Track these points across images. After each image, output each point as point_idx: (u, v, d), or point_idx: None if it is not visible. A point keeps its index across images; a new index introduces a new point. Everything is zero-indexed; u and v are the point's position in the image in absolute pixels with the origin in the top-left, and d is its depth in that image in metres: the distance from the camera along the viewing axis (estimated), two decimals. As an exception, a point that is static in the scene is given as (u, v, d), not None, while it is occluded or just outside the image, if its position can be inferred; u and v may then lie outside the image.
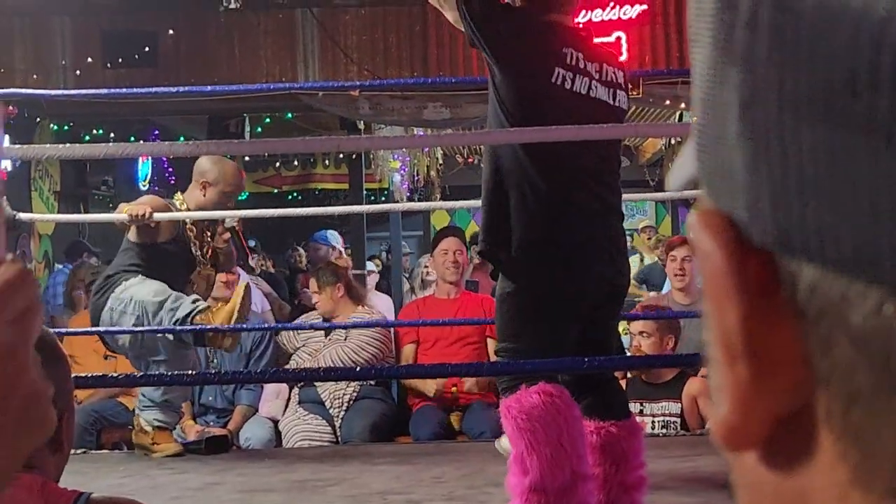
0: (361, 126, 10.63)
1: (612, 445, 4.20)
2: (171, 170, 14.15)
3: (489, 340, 7.39)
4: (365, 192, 12.43)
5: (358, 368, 6.92)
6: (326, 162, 14.65)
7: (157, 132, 12.09)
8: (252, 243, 12.49)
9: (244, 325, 7.75)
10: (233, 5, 9.08)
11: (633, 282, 10.68)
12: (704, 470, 5.47)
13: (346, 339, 7.73)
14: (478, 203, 9.57)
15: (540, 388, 3.87)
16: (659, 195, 9.12)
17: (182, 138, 11.85)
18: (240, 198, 14.47)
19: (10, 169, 12.20)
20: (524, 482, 3.81)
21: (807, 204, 0.43)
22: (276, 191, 15.14)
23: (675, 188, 0.57)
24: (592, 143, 4.11)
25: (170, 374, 6.07)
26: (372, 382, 7.77)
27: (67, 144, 4.73)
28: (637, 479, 4.27)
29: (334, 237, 11.17)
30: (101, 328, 6.56)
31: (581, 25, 4.46)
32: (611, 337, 4.34)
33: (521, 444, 3.83)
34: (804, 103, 0.42)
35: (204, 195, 6.69)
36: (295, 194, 15.50)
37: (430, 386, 7.59)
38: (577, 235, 4.07)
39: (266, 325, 8.18)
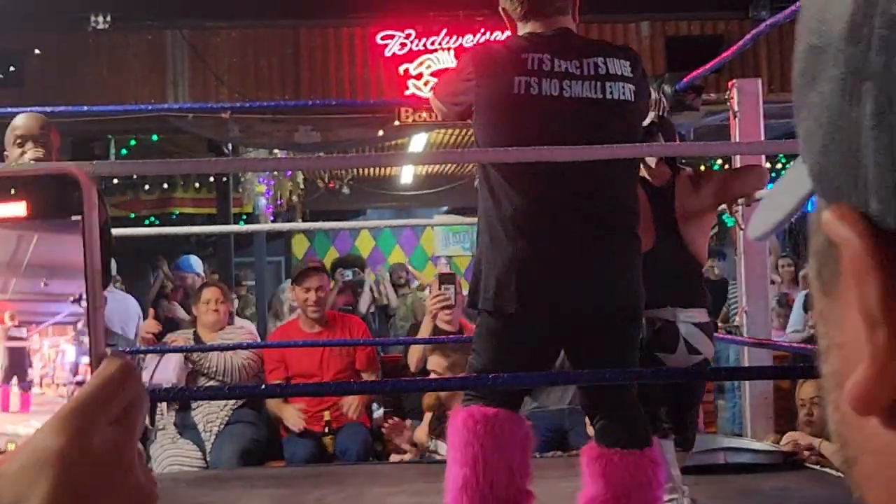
0: (230, 149, 10.58)
1: (615, 475, 4.04)
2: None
3: (362, 374, 7.44)
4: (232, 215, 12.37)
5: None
6: (188, 185, 14.52)
7: (12, 155, 11.85)
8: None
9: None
10: (101, 25, 8.97)
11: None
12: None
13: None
14: (339, 225, 9.48)
15: (468, 412, 3.93)
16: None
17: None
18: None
19: None
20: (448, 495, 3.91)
21: None
22: (132, 215, 14.94)
23: (759, 236, 0.68)
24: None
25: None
26: (241, 405, 7.68)
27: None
28: None
29: (197, 263, 11.06)
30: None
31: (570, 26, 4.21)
32: (603, 364, 4.06)
33: (448, 461, 3.96)
34: None
35: None
36: (153, 219, 15.31)
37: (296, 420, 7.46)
38: (541, 258, 3.95)
39: (150, 348, 8.06)
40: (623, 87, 4.05)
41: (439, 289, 7.47)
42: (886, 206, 0.53)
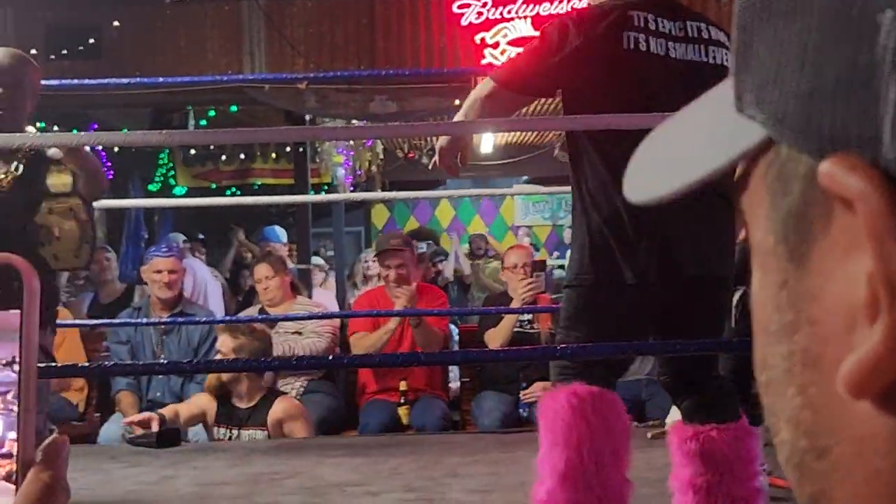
0: (307, 119, 10.58)
1: (714, 452, 3.78)
2: (108, 164, 13.98)
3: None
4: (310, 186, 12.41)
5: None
6: (266, 156, 14.56)
7: (95, 126, 11.92)
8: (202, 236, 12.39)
9: (192, 318, 7.75)
10: (178, -4, 9.02)
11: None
12: (657, 462, 5.48)
13: (306, 330, 7.68)
14: (414, 194, 9.49)
15: (570, 389, 3.61)
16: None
17: (124, 132, 11.73)
18: (177, 192, 14.43)
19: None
20: (540, 488, 3.57)
21: None
22: (214, 185, 15.02)
23: (648, 199, 0.59)
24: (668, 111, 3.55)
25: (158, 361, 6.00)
26: (320, 377, 7.74)
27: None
28: (748, 491, 3.80)
29: (282, 233, 11.15)
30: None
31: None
32: (697, 334, 3.83)
33: (544, 443, 3.60)
34: None
35: None
36: (234, 189, 15.37)
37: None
38: (635, 226, 3.71)
39: (213, 319, 8.14)
40: (725, 55, 3.82)
41: (531, 276, 7.53)
42: None
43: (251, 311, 8.19)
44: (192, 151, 13.82)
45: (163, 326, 7.68)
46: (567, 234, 20.95)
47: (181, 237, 11.19)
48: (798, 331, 0.53)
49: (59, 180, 4.84)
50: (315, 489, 5.27)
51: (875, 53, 0.47)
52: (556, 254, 20.32)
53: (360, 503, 5.01)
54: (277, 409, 6.86)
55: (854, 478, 0.51)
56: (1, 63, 4.87)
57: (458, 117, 4.07)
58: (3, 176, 4.77)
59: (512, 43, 11.00)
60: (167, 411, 6.93)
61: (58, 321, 6.69)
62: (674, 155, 0.58)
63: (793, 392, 0.54)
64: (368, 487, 5.26)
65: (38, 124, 10.76)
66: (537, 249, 20.55)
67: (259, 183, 15.03)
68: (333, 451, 6.21)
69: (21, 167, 4.80)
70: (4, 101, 4.82)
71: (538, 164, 16.57)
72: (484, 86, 3.96)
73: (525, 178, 19.30)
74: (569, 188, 3.96)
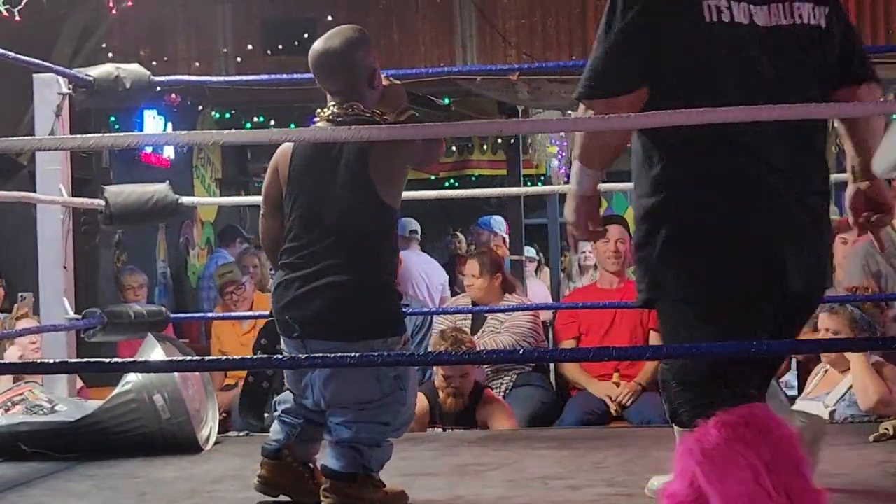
0: (520, 111, 10.57)
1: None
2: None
3: (651, 333, 7.24)
4: (522, 177, 12.39)
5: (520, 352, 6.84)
6: (484, 147, 14.63)
7: (314, 119, 12.10)
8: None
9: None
10: (391, -10, 9.12)
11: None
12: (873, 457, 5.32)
13: (501, 326, 7.69)
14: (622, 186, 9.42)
15: (718, 420, 3.00)
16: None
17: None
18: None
19: (173, 156, 12.42)
20: None
21: None
22: (433, 177, 15.17)
23: (883, 171, 0.53)
24: (763, 95, 3.03)
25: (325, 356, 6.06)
26: (530, 370, 7.71)
27: (230, 130, 4.54)
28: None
29: (498, 223, 11.14)
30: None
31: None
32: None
33: (709, 492, 3.01)
34: None
35: None
36: (452, 181, 15.48)
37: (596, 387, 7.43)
38: (742, 224, 3.13)
39: (424, 310, 8.20)
40: (813, 10, 3.21)
41: None
42: None
43: (460, 302, 8.23)
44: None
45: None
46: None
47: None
48: None
49: None
50: (517, 481, 5.25)
51: None
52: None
53: (560, 496, 4.98)
54: (483, 411, 6.91)
55: None
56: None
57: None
58: None
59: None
60: None
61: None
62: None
63: None
64: (570, 481, 5.22)
65: (255, 118, 11.07)
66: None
67: (477, 174, 15.10)
68: (540, 444, 6.19)
69: None
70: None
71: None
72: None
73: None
74: None
